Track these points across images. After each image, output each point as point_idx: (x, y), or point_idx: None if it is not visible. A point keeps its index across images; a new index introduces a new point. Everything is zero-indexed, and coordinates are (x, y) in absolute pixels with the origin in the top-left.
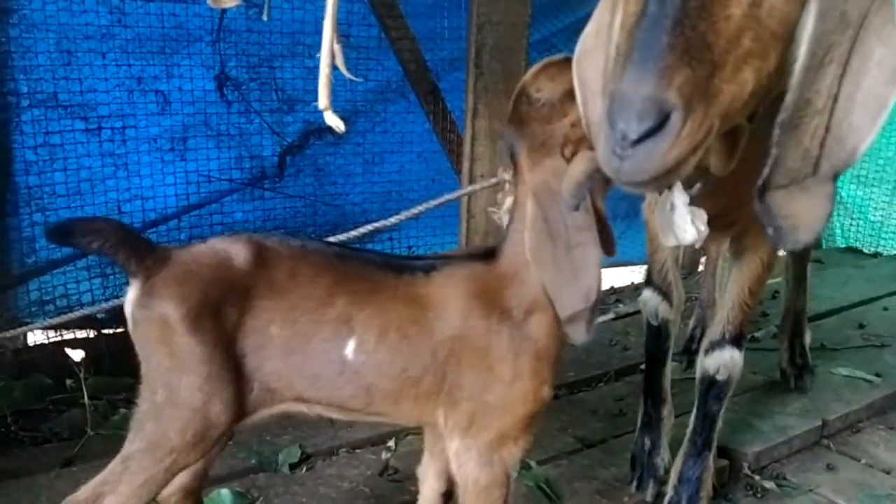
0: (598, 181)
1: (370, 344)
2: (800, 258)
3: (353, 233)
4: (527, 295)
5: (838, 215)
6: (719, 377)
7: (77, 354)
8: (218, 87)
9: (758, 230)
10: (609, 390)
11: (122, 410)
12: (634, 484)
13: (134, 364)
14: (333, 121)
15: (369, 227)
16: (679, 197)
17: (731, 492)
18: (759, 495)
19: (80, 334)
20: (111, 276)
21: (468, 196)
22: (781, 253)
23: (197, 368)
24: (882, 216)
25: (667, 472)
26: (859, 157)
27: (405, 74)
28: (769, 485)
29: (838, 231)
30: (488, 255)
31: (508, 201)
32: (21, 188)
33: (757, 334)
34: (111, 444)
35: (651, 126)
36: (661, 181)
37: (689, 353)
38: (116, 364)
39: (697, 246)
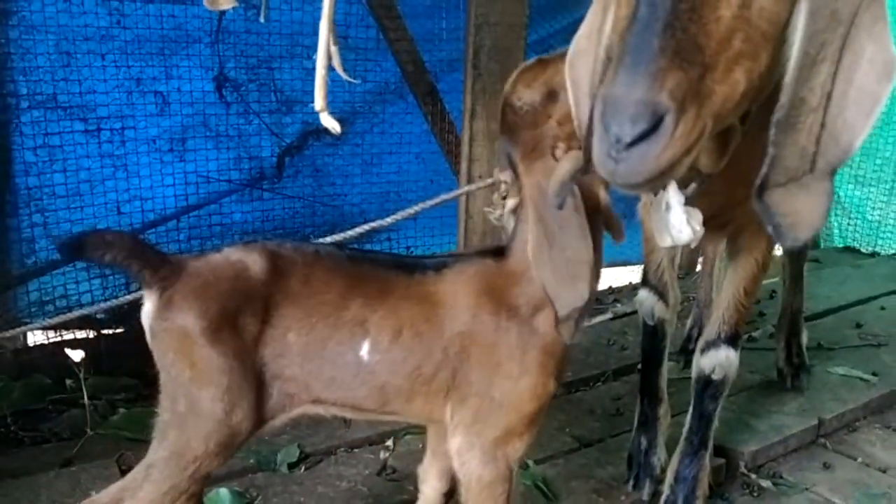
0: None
1: (384, 344)
2: (796, 258)
3: (351, 232)
4: (535, 292)
5: (836, 215)
6: (715, 376)
7: (77, 355)
8: (217, 88)
9: (753, 230)
10: (607, 390)
11: (122, 410)
12: (631, 483)
13: (133, 365)
14: (329, 122)
15: (366, 226)
16: (674, 197)
17: (728, 491)
18: (755, 494)
19: (80, 335)
20: (110, 277)
21: (466, 197)
22: (778, 253)
23: (218, 379)
24: (880, 216)
25: (663, 471)
26: (854, 153)
27: (403, 75)
28: (766, 484)
29: (836, 231)
30: (498, 253)
31: (510, 203)
32: (21, 189)
33: (754, 334)
34: (111, 443)
35: (644, 129)
36: (656, 182)
37: (686, 353)
38: (116, 364)
39: (693, 246)
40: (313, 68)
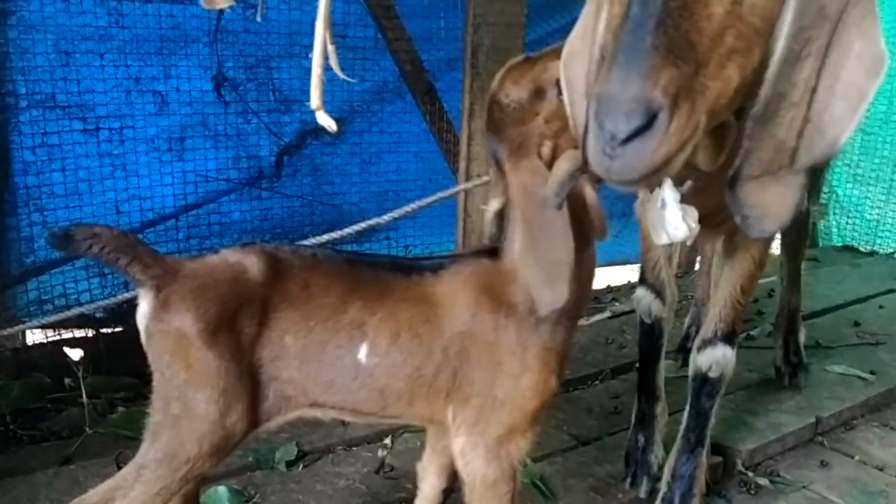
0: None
1: (383, 346)
2: (794, 256)
3: (347, 230)
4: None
5: (835, 214)
6: (712, 374)
7: (75, 353)
8: (215, 87)
9: None
10: (605, 388)
11: (121, 409)
12: (628, 481)
13: (132, 364)
14: (325, 121)
15: (362, 224)
16: (670, 194)
17: (725, 488)
18: (752, 492)
19: (79, 334)
20: (109, 276)
21: (465, 195)
22: (776, 251)
23: (214, 381)
24: (878, 215)
25: (660, 468)
26: (840, 148)
27: (402, 75)
28: (763, 481)
29: (835, 229)
30: (493, 252)
31: (494, 204)
32: (19, 188)
33: (753, 332)
34: (109, 442)
35: (639, 125)
36: (651, 179)
37: (684, 351)
38: (115, 363)
39: (689, 243)
40: (311, 67)
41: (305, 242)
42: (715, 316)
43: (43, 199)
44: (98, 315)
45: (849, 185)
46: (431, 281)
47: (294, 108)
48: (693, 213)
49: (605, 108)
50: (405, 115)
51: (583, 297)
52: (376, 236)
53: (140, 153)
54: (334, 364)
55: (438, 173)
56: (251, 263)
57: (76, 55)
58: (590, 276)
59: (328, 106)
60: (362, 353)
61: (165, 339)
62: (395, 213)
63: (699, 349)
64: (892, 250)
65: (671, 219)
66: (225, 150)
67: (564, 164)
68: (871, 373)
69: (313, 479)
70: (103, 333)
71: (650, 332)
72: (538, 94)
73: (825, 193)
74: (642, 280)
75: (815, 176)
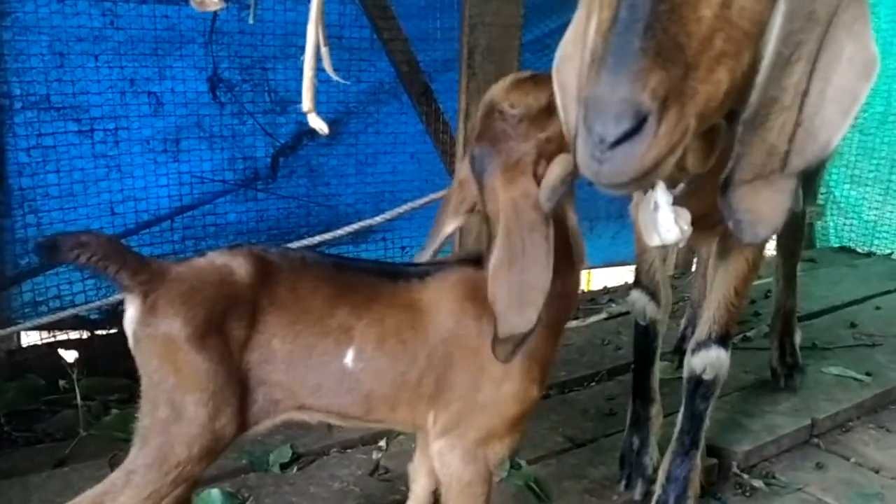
0: (567, 194)
1: (369, 351)
2: (789, 258)
3: (339, 231)
4: None
5: (832, 214)
6: (706, 376)
7: (70, 355)
8: (211, 88)
9: None
10: (601, 390)
11: (115, 411)
12: (623, 483)
13: (126, 365)
14: (317, 123)
15: (355, 225)
16: (662, 197)
17: (721, 490)
18: (748, 494)
19: (73, 335)
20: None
21: None
22: (771, 253)
23: (203, 385)
24: (876, 216)
25: (655, 470)
26: (832, 151)
27: (398, 75)
28: (758, 483)
29: (832, 231)
30: (476, 261)
31: (453, 223)
32: (14, 190)
33: (749, 333)
34: (103, 444)
35: (628, 128)
36: (641, 182)
37: (680, 353)
38: (109, 365)
39: (681, 246)
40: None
41: (301, 243)
42: (709, 318)
43: (38, 201)
44: (92, 316)
45: (846, 186)
46: (418, 287)
47: (290, 109)
48: (685, 216)
49: (593, 111)
50: (401, 115)
51: (565, 313)
52: (373, 237)
53: (135, 154)
54: (321, 368)
55: (435, 174)
56: (239, 266)
57: (71, 56)
58: (573, 296)
59: (324, 107)
60: (349, 357)
61: (153, 343)
62: (389, 214)
63: (693, 351)
64: (889, 251)
65: (663, 221)
66: (220, 151)
67: (557, 169)
68: (868, 374)
69: (307, 482)
70: (98, 335)
71: (645, 334)
72: (549, 111)
73: (822, 194)
74: (637, 282)
75: (812, 177)
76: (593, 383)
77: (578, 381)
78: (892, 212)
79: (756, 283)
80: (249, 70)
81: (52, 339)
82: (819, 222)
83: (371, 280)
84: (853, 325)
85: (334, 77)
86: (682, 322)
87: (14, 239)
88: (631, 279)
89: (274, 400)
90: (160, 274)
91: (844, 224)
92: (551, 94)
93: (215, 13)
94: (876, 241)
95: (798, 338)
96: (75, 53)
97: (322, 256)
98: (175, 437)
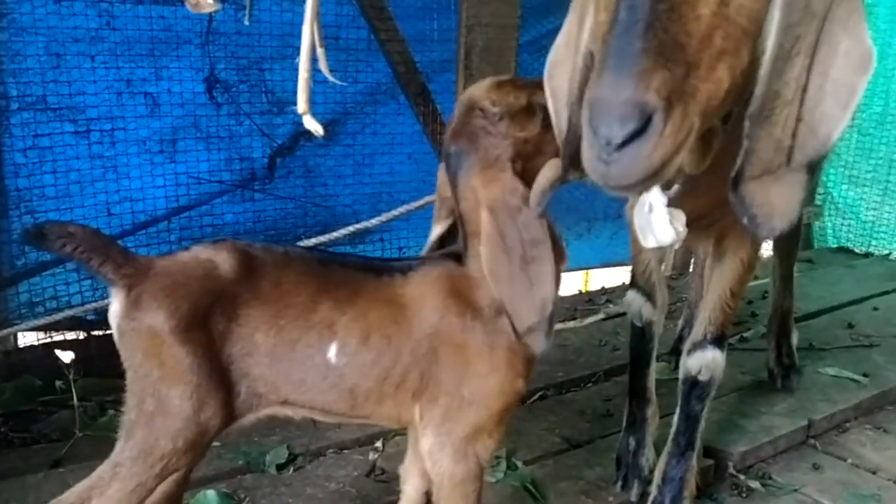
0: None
1: (352, 346)
2: (786, 258)
3: (340, 232)
4: (495, 298)
5: (830, 215)
6: (701, 377)
7: (67, 356)
8: (207, 89)
9: (738, 231)
10: (598, 390)
11: (111, 412)
12: (619, 484)
13: (123, 366)
14: (312, 125)
15: (351, 228)
16: (657, 198)
17: (717, 491)
18: (744, 495)
19: (70, 336)
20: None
21: None
22: (767, 253)
23: (187, 378)
24: (874, 216)
25: (651, 471)
26: (833, 146)
27: (395, 76)
28: (754, 484)
29: (830, 231)
30: (457, 257)
31: (438, 229)
32: (10, 191)
33: (746, 334)
34: (100, 445)
35: (634, 129)
36: (649, 183)
37: (677, 354)
38: (106, 366)
39: (676, 247)
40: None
41: (299, 244)
42: (704, 319)
43: (34, 202)
44: (89, 317)
45: (844, 187)
46: (401, 282)
47: (287, 110)
48: (680, 217)
49: (598, 113)
50: (399, 116)
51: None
52: (370, 238)
53: (132, 155)
54: (304, 363)
55: (432, 175)
56: (222, 260)
57: (67, 57)
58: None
59: (321, 108)
60: (332, 352)
61: (138, 337)
62: (386, 216)
63: (689, 352)
64: (887, 252)
65: (658, 223)
66: (217, 151)
67: (548, 172)
68: (865, 375)
69: (304, 483)
70: (94, 336)
71: (641, 335)
72: (529, 111)
73: (820, 195)
74: (633, 283)
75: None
76: (590, 384)
77: (575, 381)
78: (889, 212)
79: (753, 283)
80: (246, 71)
81: (49, 340)
82: (817, 223)
83: (355, 275)
84: (850, 326)
85: (330, 78)
86: (680, 323)
87: (10, 240)
88: (628, 280)
89: (257, 394)
90: (144, 268)
91: (842, 224)
92: (531, 96)
93: (211, 14)
94: (874, 242)
95: (795, 338)
96: (72, 54)
97: (306, 251)
98: (160, 430)
